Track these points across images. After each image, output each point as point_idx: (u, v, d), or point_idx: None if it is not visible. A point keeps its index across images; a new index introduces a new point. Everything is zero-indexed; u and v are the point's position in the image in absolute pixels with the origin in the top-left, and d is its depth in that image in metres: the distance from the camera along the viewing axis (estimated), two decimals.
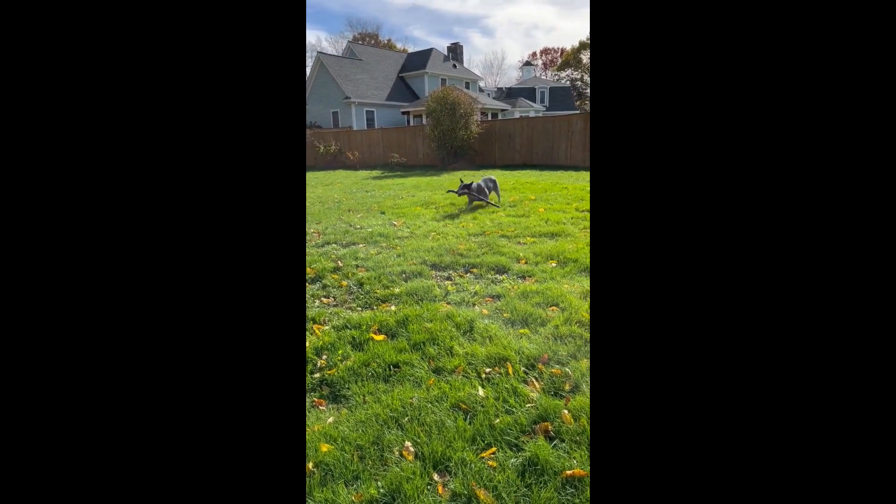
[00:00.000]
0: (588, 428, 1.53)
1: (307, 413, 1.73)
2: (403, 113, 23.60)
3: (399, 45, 47.18)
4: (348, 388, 1.86)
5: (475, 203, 5.62)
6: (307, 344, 2.24)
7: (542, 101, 32.32)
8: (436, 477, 1.37)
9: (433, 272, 3.29)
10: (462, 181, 5.73)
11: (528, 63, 40.95)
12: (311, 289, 3.07)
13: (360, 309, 2.72)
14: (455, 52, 28.54)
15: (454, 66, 27.09)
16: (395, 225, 4.90)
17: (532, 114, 27.66)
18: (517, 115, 23.98)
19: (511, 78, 49.79)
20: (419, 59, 26.15)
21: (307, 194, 7.92)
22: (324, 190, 8.67)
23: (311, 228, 4.82)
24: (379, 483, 1.35)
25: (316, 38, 73.11)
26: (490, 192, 5.77)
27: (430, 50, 26.30)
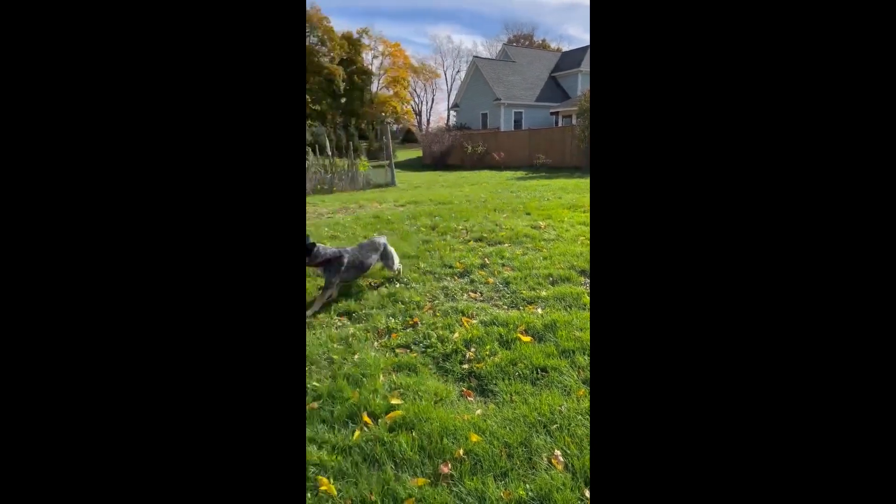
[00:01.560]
0: None
1: (456, 401, 1.80)
2: (552, 113, 23.12)
3: (553, 45, 46.29)
4: (495, 384, 1.89)
5: (328, 293, 2.92)
6: (456, 335, 2.34)
7: None
8: (587, 493, 1.31)
9: (582, 279, 3.15)
10: (312, 242, 2.91)
11: None
12: (459, 282, 3.20)
13: (506, 307, 2.74)
14: None
15: None
16: (540, 227, 4.82)
17: None
18: None
19: None
20: (573, 58, 25.29)
21: (455, 193, 8.30)
22: (471, 189, 8.98)
23: (459, 225, 5.03)
24: (527, 486, 1.34)
25: (472, 44, 76.17)
26: (367, 262, 3.13)
27: (586, 47, 25.20)
